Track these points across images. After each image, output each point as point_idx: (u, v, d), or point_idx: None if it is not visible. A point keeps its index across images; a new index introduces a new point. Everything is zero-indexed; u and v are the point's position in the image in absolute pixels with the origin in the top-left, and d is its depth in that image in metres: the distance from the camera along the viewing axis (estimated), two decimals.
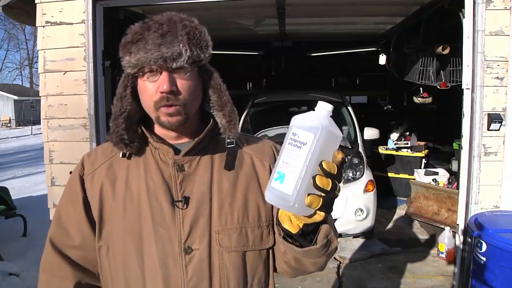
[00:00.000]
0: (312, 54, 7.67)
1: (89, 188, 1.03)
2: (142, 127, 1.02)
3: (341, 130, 5.27)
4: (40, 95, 3.21)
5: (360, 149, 4.64)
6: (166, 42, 0.91)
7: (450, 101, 4.98)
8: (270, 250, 1.06)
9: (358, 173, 4.24)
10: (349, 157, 4.36)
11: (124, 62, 0.95)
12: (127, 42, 0.95)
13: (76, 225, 1.03)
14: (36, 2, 3.07)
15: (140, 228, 0.98)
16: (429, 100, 5.17)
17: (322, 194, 0.75)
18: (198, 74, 0.99)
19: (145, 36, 0.92)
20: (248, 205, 1.02)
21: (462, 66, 3.05)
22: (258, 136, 4.78)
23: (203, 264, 0.98)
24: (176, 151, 1.02)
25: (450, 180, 5.06)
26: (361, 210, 4.06)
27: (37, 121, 26.19)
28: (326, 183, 0.74)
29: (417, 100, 5.23)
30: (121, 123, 0.99)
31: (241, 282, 1.00)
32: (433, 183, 5.01)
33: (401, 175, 5.85)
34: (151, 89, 0.94)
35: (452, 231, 3.72)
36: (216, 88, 1.03)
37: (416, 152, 5.84)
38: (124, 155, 1.03)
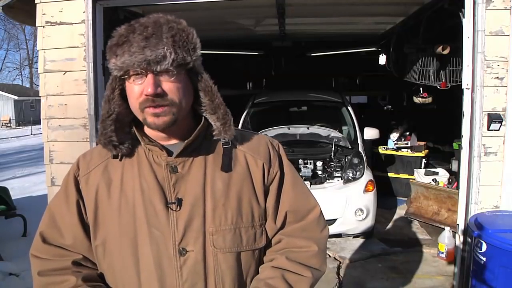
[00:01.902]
0: (312, 54, 7.67)
1: (84, 189, 1.03)
2: (135, 129, 1.02)
3: (341, 130, 5.33)
4: (40, 95, 3.20)
5: (360, 149, 4.64)
6: (151, 44, 0.90)
7: (450, 101, 4.98)
8: (262, 250, 1.07)
9: (358, 173, 4.24)
10: (349, 157, 4.37)
11: (110, 64, 0.95)
12: (113, 44, 0.94)
13: (69, 226, 1.03)
14: (36, 2, 3.07)
15: (135, 230, 0.98)
16: (429, 100, 5.16)
17: None
18: (187, 76, 0.98)
19: (130, 39, 0.91)
20: (242, 206, 1.02)
21: (462, 66, 3.05)
22: None
23: (197, 266, 0.98)
24: (169, 152, 1.01)
25: (450, 180, 5.06)
26: (361, 210, 4.05)
27: (37, 121, 26.17)
28: None
29: (417, 100, 5.22)
30: (109, 125, 0.99)
31: (236, 282, 1.01)
32: (433, 183, 5.01)
33: (401, 175, 5.85)
34: (136, 91, 0.94)
35: (452, 231, 3.72)
36: (207, 90, 1.01)
37: (416, 152, 5.84)
38: (115, 157, 1.03)
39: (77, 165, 1.07)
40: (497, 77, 2.83)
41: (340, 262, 3.93)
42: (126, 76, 0.94)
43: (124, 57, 0.91)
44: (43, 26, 3.08)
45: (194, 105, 1.03)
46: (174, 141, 1.03)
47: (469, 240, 2.78)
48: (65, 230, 1.03)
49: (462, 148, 3.01)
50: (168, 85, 0.94)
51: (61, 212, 1.04)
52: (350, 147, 4.69)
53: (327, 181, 4.29)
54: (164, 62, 0.90)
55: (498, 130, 2.85)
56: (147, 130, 1.03)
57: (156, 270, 0.97)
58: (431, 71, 4.41)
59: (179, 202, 0.98)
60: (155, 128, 0.97)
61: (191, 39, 0.96)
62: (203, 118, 1.04)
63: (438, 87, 4.39)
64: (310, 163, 4.36)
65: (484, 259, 2.55)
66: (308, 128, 5.07)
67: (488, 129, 2.85)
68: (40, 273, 1.00)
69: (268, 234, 1.07)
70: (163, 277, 0.97)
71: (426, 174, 5.26)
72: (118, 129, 1.00)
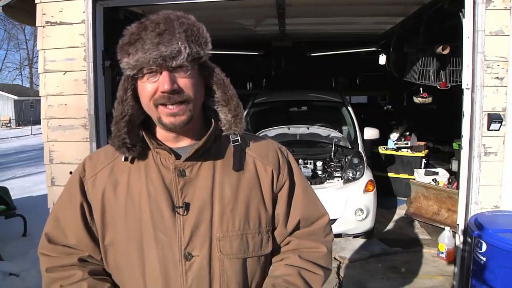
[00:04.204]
0: (312, 54, 7.67)
1: (90, 191, 1.02)
2: (143, 132, 1.00)
3: (341, 130, 5.31)
4: (40, 95, 3.20)
5: (360, 149, 4.64)
6: (164, 40, 0.89)
7: (450, 101, 4.98)
8: (268, 256, 1.07)
9: (358, 173, 4.24)
10: (349, 157, 4.37)
11: (122, 64, 0.94)
12: (124, 43, 0.93)
13: (73, 227, 1.03)
14: (36, 2, 3.07)
15: (141, 234, 0.97)
16: (429, 100, 5.17)
17: None
18: (199, 72, 0.98)
19: (143, 36, 0.90)
20: (250, 212, 1.01)
21: (462, 66, 3.05)
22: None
23: (203, 271, 0.97)
24: (177, 155, 1.00)
25: (450, 180, 5.06)
26: (361, 210, 4.05)
27: (37, 121, 26.18)
28: None
29: (417, 100, 5.22)
30: (123, 127, 0.98)
31: (242, 287, 1.00)
32: (433, 183, 5.01)
33: (401, 175, 5.85)
34: (150, 89, 0.93)
35: (452, 231, 3.72)
36: (219, 83, 1.01)
37: (416, 152, 5.84)
38: (126, 159, 1.02)
39: (83, 166, 1.06)
40: (497, 77, 2.83)
41: (340, 262, 3.93)
42: (140, 75, 0.93)
43: (138, 55, 0.90)
44: (43, 26, 3.08)
45: (206, 101, 1.02)
46: (183, 144, 1.02)
47: (469, 240, 2.78)
48: (69, 231, 1.03)
49: (462, 148, 3.01)
50: (184, 81, 0.93)
51: (64, 214, 1.04)
52: (350, 147, 4.69)
53: (327, 181, 4.29)
54: (179, 57, 0.90)
55: (498, 130, 2.85)
56: (158, 131, 1.02)
57: (161, 274, 0.96)
58: (431, 71, 4.41)
59: (187, 206, 0.97)
60: (172, 128, 0.96)
61: (202, 33, 0.96)
62: (213, 121, 1.02)
63: (438, 87, 4.39)
64: (310, 163, 4.36)
65: (484, 259, 2.55)
66: (308, 128, 5.07)
67: (488, 129, 2.85)
68: (48, 270, 1.02)
69: (278, 239, 1.07)
70: (168, 282, 0.96)
71: (426, 174, 5.26)
72: (130, 131, 0.99)
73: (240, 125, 1.01)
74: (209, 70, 1.01)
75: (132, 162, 1.02)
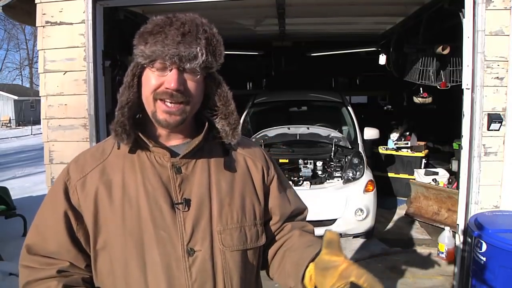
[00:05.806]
0: (312, 54, 7.67)
1: (79, 194, 1.00)
2: (139, 132, 1.00)
3: (341, 130, 5.30)
4: (40, 95, 3.21)
5: (360, 149, 4.64)
6: (186, 41, 0.92)
7: (450, 101, 4.98)
8: (262, 248, 1.10)
9: (358, 173, 4.24)
10: (349, 157, 4.37)
11: (137, 50, 0.95)
12: (146, 31, 0.95)
13: (53, 233, 1.00)
14: (36, 2, 3.07)
15: (140, 233, 0.97)
16: (429, 100, 5.17)
17: None
18: (204, 80, 1.00)
19: (166, 31, 0.93)
20: (245, 205, 1.05)
21: (462, 66, 3.05)
22: (258, 136, 4.80)
23: (206, 265, 0.98)
24: (172, 153, 1.01)
25: (450, 180, 5.06)
26: (361, 210, 4.05)
27: (37, 121, 26.19)
28: None
29: (417, 100, 5.23)
30: (126, 112, 0.99)
31: (243, 279, 1.03)
32: (433, 183, 5.01)
33: (401, 175, 5.85)
34: (155, 82, 0.95)
35: (452, 231, 3.72)
36: (222, 96, 1.05)
37: (416, 152, 5.84)
38: (118, 147, 1.02)
39: (67, 171, 1.04)
40: (497, 77, 2.83)
41: None
42: (150, 65, 0.95)
43: (156, 47, 0.92)
44: (43, 26, 3.08)
45: (202, 109, 1.05)
46: (175, 142, 1.04)
47: (469, 240, 2.78)
48: (49, 237, 1.00)
49: (462, 148, 3.01)
50: (190, 84, 0.96)
51: (45, 221, 1.02)
52: (350, 147, 4.68)
53: (327, 181, 4.28)
54: (194, 61, 0.93)
55: (498, 130, 2.85)
56: (152, 130, 1.03)
57: (164, 273, 0.96)
58: (431, 71, 4.41)
59: (187, 202, 0.99)
60: (165, 126, 0.98)
61: (219, 46, 0.99)
62: (207, 123, 1.04)
63: (438, 87, 4.40)
64: (310, 163, 4.36)
65: (484, 259, 2.55)
66: (308, 128, 5.07)
67: (488, 129, 2.85)
68: (25, 285, 0.99)
69: (272, 229, 1.12)
70: (171, 279, 0.96)
71: (426, 174, 5.26)
72: (128, 118, 0.99)
73: (237, 136, 1.06)
74: (215, 82, 1.04)
75: (131, 152, 1.01)
